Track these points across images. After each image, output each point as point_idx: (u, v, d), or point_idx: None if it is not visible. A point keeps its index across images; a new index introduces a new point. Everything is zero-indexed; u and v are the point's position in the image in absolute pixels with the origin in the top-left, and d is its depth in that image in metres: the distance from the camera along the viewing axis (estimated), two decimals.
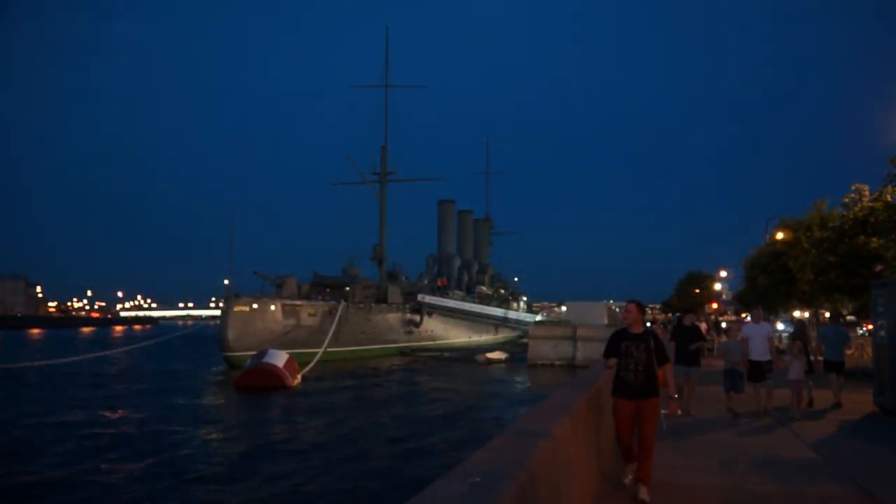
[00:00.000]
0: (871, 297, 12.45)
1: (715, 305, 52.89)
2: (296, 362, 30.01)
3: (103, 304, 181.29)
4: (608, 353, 6.02)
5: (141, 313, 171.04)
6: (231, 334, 38.05)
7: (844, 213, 19.86)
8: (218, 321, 44.12)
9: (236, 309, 38.75)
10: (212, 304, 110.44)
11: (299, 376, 29.43)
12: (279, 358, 28.52)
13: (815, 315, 29.88)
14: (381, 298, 54.37)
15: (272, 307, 40.66)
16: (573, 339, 37.09)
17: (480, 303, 73.37)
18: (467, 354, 48.05)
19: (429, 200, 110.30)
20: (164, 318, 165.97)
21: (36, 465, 13.80)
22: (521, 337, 65.39)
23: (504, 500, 2.40)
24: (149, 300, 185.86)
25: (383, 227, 61.44)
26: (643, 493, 5.63)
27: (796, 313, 31.40)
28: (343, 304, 45.14)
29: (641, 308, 6.08)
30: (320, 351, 37.94)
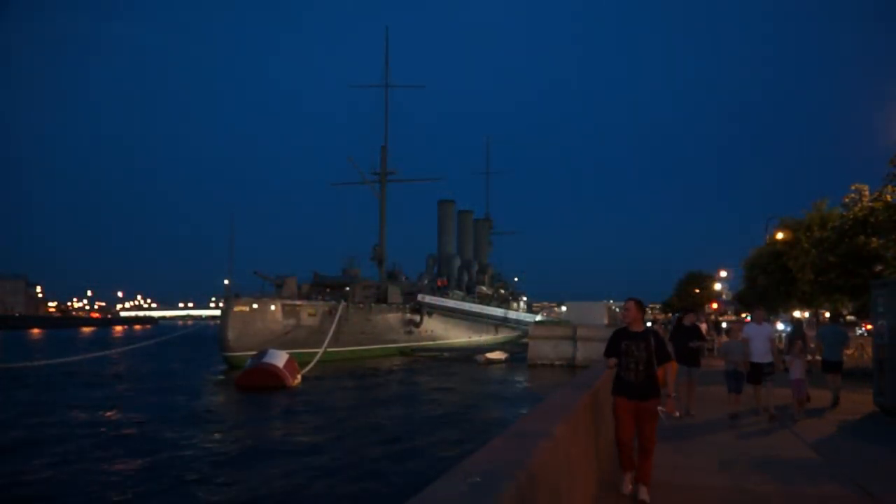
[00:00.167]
0: (871, 297, 12.45)
1: (715, 305, 52.92)
2: (296, 362, 30.01)
3: (103, 304, 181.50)
4: (609, 353, 5.97)
5: (141, 313, 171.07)
6: (231, 334, 38.05)
7: (844, 213, 19.86)
8: (218, 321, 44.11)
9: (236, 309, 38.75)
10: (212, 304, 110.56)
11: (299, 376, 29.43)
12: (279, 358, 28.52)
13: (816, 315, 29.90)
14: (381, 298, 54.36)
15: (272, 307, 40.66)
16: (573, 339, 37.09)
17: (480, 303, 73.36)
18: (467, 354, 48.05)
19: (429, 200, 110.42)
20: (164, 318, 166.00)
21: (35, 465, 13.78)
22: (521, 337, 65.34)
23: (504, 500, 2.40)
24: (149, 300, 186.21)
25: (383, 227, 61.46)
26: (643, 494, 5.63)
27: (796, 313, 31.40)
28: (343, 304, 45.14)
29: (641, 306, 6.00)
30: (320, 351, 37.94)
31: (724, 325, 35.22)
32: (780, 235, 25.75)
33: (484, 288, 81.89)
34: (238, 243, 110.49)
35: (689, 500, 5.97)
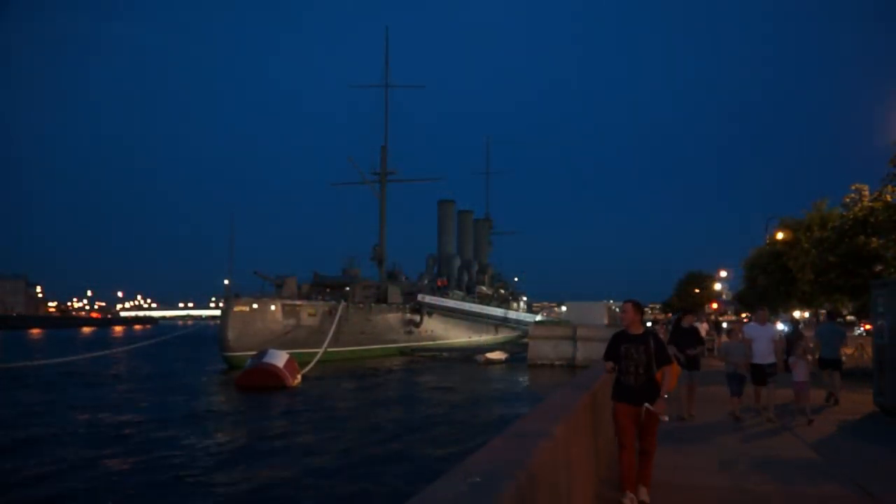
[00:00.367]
0: (871, 297, 12.44)
1: (715, 305, 52.95)
2: (296, 362, 30.01)
3: (103, 304, 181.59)
4: (608, 357, 5.85)
5: (141, 313, 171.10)
6: (231, 334, 38.04)
7: (844, 213, 19.86)
8: (218, 321, 44.12)
9: (236, 309, 38.74)
10: (212, 304, 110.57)
11: (299, 376, 29.42)
12: (279, 358, 28.52)
13: (816, 315, 29.91)
14: (381, 298, 54.36)
15: (272, 307, 40.66)
16: (573, 339, 37.08)
17: (480, 303, 73.36)
18: (467, 354, 48.05)
19: (429, 200, 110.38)
20: (164, 318, 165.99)
21: (33, 465, 13.78)
22: (521, 337, 65.38)
23: (504, 500, 2.40)
24: (149, 300, 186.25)
25: (383, 227, 61.47)
26: (643, 494, 5.63)
27: (796, 313, 31.43)
28: (343, 304, 45.13)
29: (639, 308, 5.86)
30: (320, 351, 37.93)
31: (724, 325, 35.24)
32: (780, 235, 25.78)
33: (484, 288, 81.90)
34: (238, 243, 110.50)
35: (689, 500, 5.97)
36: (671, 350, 10.22)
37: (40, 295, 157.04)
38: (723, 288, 50.54)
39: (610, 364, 5.75)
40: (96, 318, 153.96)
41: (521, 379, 33.39)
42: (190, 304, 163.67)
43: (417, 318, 55.98)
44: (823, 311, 26.01)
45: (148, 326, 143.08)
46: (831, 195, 26.42)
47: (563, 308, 55.90)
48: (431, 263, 78.54)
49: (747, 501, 5.94)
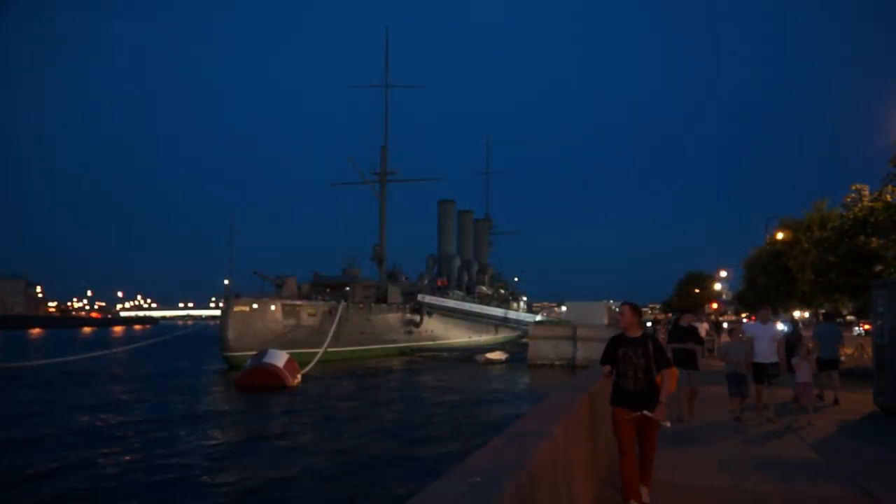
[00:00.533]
0: (871, 297, 12.44)
1: (715, 305, 52.96)
2: (296, 362, 30.01)
3: (103, 304, 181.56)
4: (605, 360, 5.71)
5: (141, 313, 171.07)
6: (231, 334, 38.04)
7: (844, 213, 19.85)
8: (218, 321, 44.11)
9: (236, 309, 38.74)
10: (212, 304, 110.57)
11: (299, 376, 29.43)
12: (279, 358, 28.52)
13: (816, 315, 29.91)
14: (381, 298, 54.35)
15: (272, 307, 40.65)
16: (573, 339, 37.07)
17: (480, 303, 73.33)
18: (467, 354, 48.03)
19: (429, 200, 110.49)
20: (164, 318, 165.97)
21: (32, 465, 13.78)
22: (521, 337, 65.34)
23: (504, 500, 2.40)
24: (149, 300, 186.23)
25: (383, 227, 61.46)
26: (644, 496, 5.61)
27: (796, 313, 31.43)
28: (343, 304, 45.13)
29: (636, 310, 5.67)
30: (320, 351, 37.93)
31: (725, 325, 35.23)
32: (780, 235, 25.78)
33: (484, 288, 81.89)
34: (238, 243, 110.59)
35: (689, 500, 5.97)
36: (670, 349, 10.16)
37: (40, 295, 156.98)
38: (723, 288, 50.56)
39: (608, 368, 5.63)
40: (96, 318, 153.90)
41: (521, 379, 33.38)
42: (190, 304, 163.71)
43: (417, 318, 55.97)
44: (822, 311, 26.03)
45: (148, 326, 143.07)
46: (831, 195, 26.45)
47: (563, 308, 55.89)
48: (431, 263, 78.53)
49: (747, 501, 5.93)
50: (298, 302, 43.42)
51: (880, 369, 11.54)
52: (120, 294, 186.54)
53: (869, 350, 17.39)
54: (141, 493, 11.83)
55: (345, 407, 23.06)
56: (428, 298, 59.34)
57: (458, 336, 63.78)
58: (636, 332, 5.62)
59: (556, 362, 36.96)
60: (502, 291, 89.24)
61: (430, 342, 56.72)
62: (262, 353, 29.27)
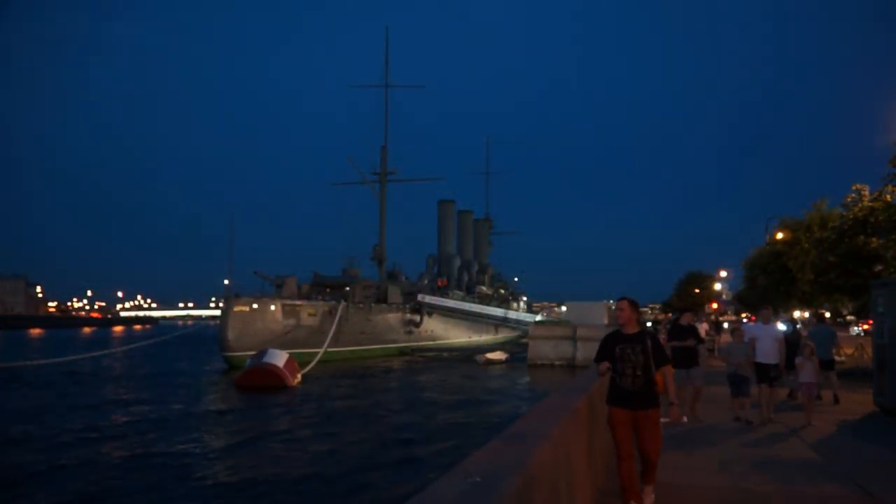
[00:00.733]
0: (871, 297, 12.45)
1: (715, 305, 52.96)
2: (296, 362, 30.02)
3: (103, 304, 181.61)
4: (600, 358, 5.45)
5: (141, 313, 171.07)
6: (231, 334, 38.04)
7: (844, 213, 19.84)
8: (218, 321, 44.11)
9: (236, 309, 38.74)
10: (212, 304, 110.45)
11: (299, 376, 29.43)
12: (279, 358, 28.52)
13: (816, 315, 29.87)
14: (381, 298, 54.35)
15: (272, 307, 40.65)
16: (573, 339, 37.07)
17: (480, 303, 73.33)
18: (467, 354, 48.02)
19: (429, 200, 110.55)
20: (164, 318, 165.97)
21: (32, 464, 13.79)
22: (521, 337, 65.35)
23: (504, 500, 2.40)
24: (149, 300, 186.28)
25: (383, 227, 61.46)
26: (648, 493, 5.44)
27: (796, 313, 31.42)
28: (343, 304, 45.13)
29: (635, 305, 5.45)
30: (321, 351, 37.94)
31: (725, 325, 35.23)
32: (780, 235, 25.78)
33: (484, 288, 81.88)
34: (238, 243, 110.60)
35: (689, 500, 5.96)
36: (669, 347, 10.13)
37: (40, 295, 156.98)
38: (723, 288, 50.52)
39: (606, 364, 5.37)
40: (96, 318, 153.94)
41: (521, 379, 33.38)
42: (190, 304, 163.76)
43: (417, 318, 55.96)
44: (824, 312, 26.05)
45: (148, 326, 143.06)
46: (831, 195, 26.43)
47: (563, 308, 55.91)
48: (431, 263, 78.53)
49: (747, 501, 5.93)
50: (298, 302, 43.41)
51: (880, 369, 11.55)
52: (120, 294, 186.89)
53: (869, 350, 17.39)
54: (140, 492, 11.83)
55: (345, 407, 23.06)
56: (428, 298, 59.33)
57: (458, 336, 63.78)
58: (634, 329, 5.42)
59: (556, 362, 36.97)
60: (502, 291, 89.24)
61: (430, 342, 56.71)
62: (262, 353, 29.28)
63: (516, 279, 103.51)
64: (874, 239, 17.86)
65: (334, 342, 41.81)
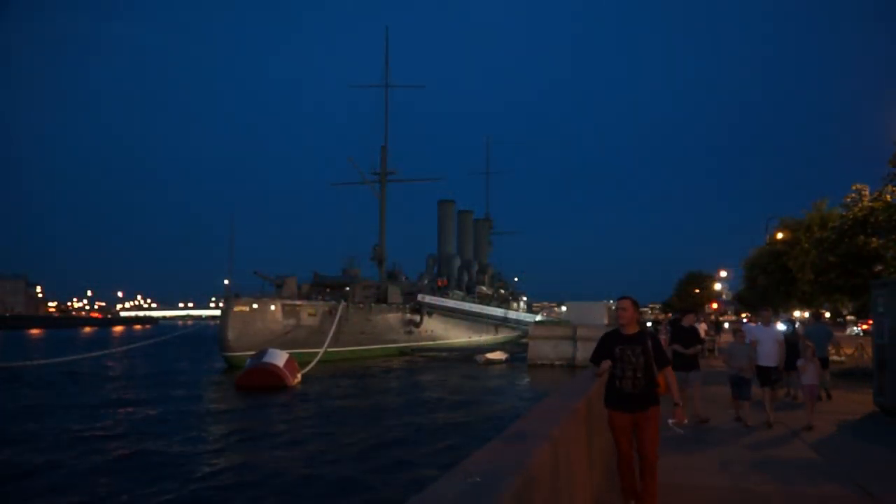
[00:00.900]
0: (871, 297, 12.45)
1: (715, 305, 52.93)
2: (296, 362, 30.01)
3: (103, 304, 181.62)
4: (598, 357, 5.27)
5: (141, 313, 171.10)
6: (231, 334, 38.04)
7: (844, 213, 19.84)
8: (218, 321, 44.11)
9: (236, 309, 38.74)
10: (212, 304, 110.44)
11: (299, 376, 29.43)
12: (279, 358, 28.52)
13: (816, 315, 29.87)
14: (381, 298, 54.35)
15: (272, 307, 40.65)
16: (573, 339, 37.07)
17: (480, 303, 73.33)
18: (467, 354, 48.03)
19: (429, 200, 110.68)
20: (164, 318, 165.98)
21: (31, 464, 13.79)
22: (521, 337, 65.33)
23: (504, 500, 2.40)
24: (149, 300, 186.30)
25: (383, 227, 61.47)
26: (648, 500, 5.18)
27: (796, 313, 31.42)
28: (343, 304, 45.13)
29: (636, 305, 5.31)
30: (321, 351, 37.93)
31: (726, 325, 35.22)
32: (780, 235, 25.79)
33: (484, 288, 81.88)
34: (238, 243, 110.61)
35: (689, 500, 5.96)
36: (670, 351, 10.11)
37: (40, 295, 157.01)
38: (723, 288, 50.49)
39: (608, 362, 5.18)
40: (96, 318, 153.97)
41: (521, 379, 33.38)
42: (190, 304, 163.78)
43: (417, 318, 55.96)
44: (824, 313, 26.08)
45: (148, 326, 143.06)
46: (831, 195, 26.44)
47: (563, 308, 55.91)
48: (431, 263, 78.54)
49: (747, 501, 5.93)
50: (298, 302, 43.42)
51: (880, 369, 11.55)
52: (120, 294, 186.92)
53: (869, 350, 17.39)
54: (140, 492, 11.82)
55: (344, 407, 23.06)
56: (428, 298, 59.33)
57: (458, 336, 63.77)
58: (634, 329, 5.25)
59: (556, 362, 36.97)
60: (502, 291, 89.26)
61: (430, 342, 56.72)
62: (262, 353, 29.27)
63: (516, 279, 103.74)
64: (874, 239, 17.84)
65: (334, 342, 41.81)
